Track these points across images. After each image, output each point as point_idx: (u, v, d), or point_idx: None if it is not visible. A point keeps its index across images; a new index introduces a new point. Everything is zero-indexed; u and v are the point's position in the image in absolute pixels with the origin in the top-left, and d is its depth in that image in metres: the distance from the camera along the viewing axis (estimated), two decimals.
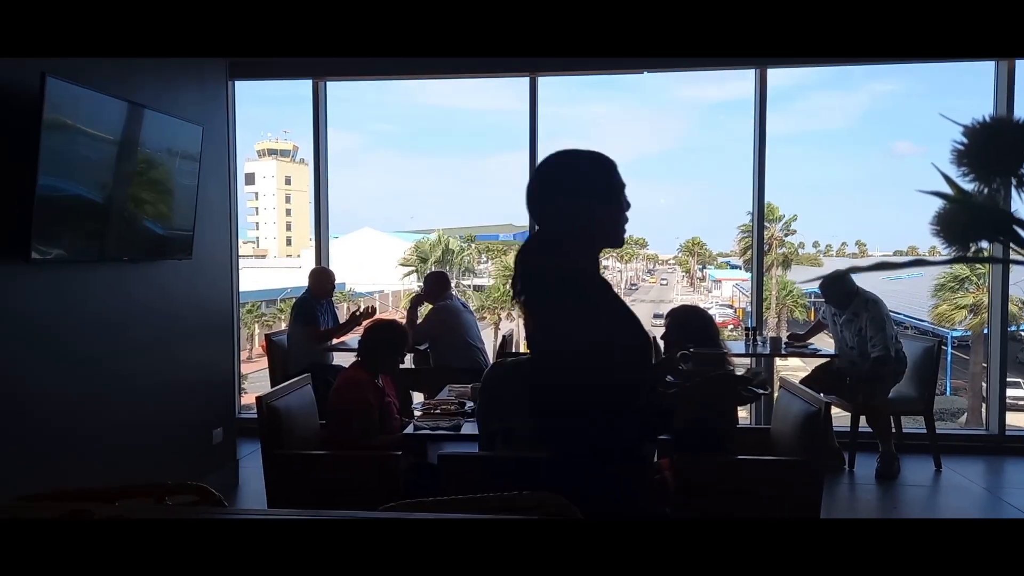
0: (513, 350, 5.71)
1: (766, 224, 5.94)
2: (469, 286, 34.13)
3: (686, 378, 2.15)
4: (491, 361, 4.82)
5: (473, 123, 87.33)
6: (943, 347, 5.25)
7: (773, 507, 2.63)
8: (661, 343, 3.28)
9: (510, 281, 1.76)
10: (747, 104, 5.46)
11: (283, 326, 6.59)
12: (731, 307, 36.09)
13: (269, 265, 42.62)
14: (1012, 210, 0.73)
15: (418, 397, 4.33)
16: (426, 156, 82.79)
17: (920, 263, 0.75)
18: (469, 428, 3.05)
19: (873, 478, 4.61)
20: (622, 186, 1.69)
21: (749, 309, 6.16)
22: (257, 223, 59.98)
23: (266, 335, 5.74)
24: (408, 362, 5.07)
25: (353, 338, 5.15)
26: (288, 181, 60.57)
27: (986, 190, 0.72)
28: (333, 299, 5.46)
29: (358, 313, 5.14)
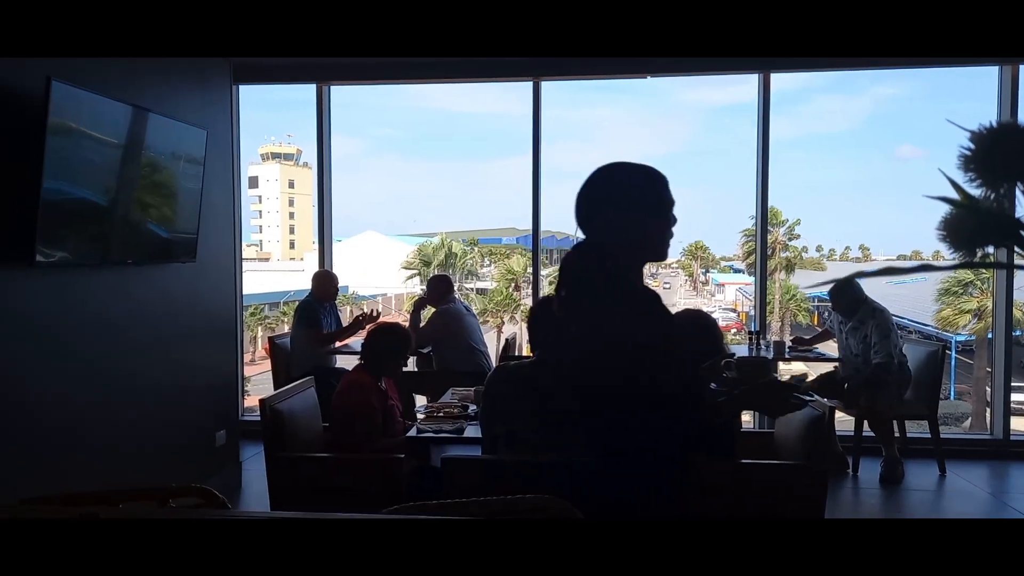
0: (516, 354, 5.70)
1: (769, 228, 5.94)
2: (472, 289, 34.13)
3: (730, 385, 2.15)
4: (494, 364, 4.82)
5: (476, 127, 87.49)
6: (947, 351, 5.23)
7: (777, 511, 2.63)
8: None
9: (554, 285, 1.77)
10: (751, 108, 5.46)
11: (286, 329, 6.61)
12: (734, 311, 36.05)
13: (272, 268, 42.71)
14: (1019, 215, 0.72)
15: (421, 400, 4.33)
16: (429, 160, 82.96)
17: (927, 268, 0.75)
18: (472, 431, 3.05)
19: (877, 482, 4.60)
20: (671, 202, 1.71)
21: (752, 313, 6.15)
22: (261, 226, 60.11)
23: (269, 338, 5.74)
24: (411, 365, 5.07)
25: (356, 341, 5.16)
26: (291, 184, 60.70)
27: (993, 196, 0.72)
28: (336, 302, 5.46)
29: (362, 317, 5.14)
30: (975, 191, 0.73)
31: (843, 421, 4.88)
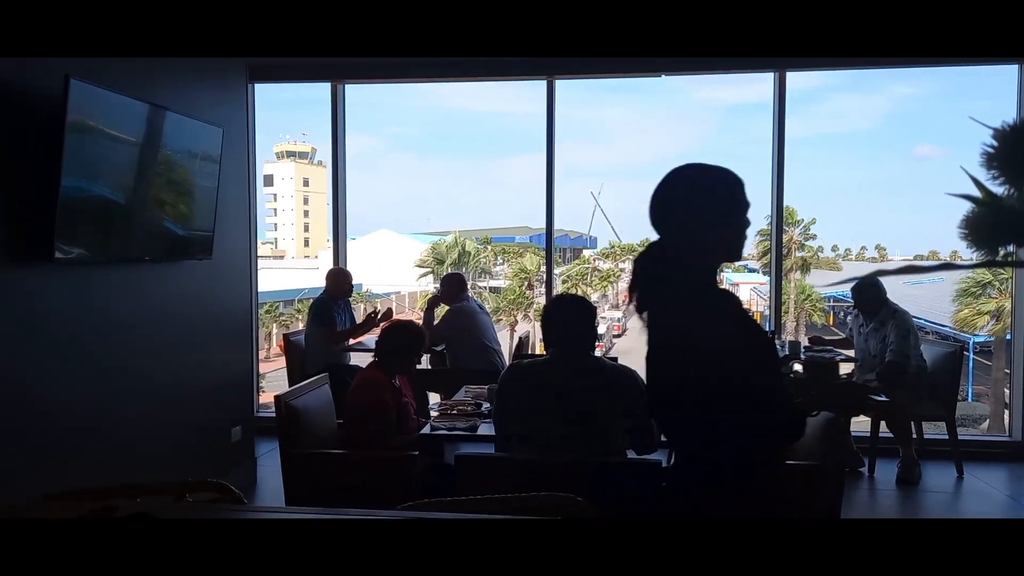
0: (529, 352, 5.71)
1: (785, 228, 5.89)
2: (485, 288, 34.16)
3: (799, 385, 2.15)
4: (507, 362, 4.82)
5: (490, 126, 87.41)
6: (965, 353, 5.18)
7: (792, 511, 2.61)
8: None
9: (628, 285, 1.78)
10: (766, 107, 5.42)
11: (301, 326, 6.64)
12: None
13: (287, 266, 42.92)
14: None
15: (435, 398, 4.34)
16: (443, 158, 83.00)
17: (948, 267, 0.74)
18: (486, 429, 3.05)
19: (893, 483, 4.56)
20: (748, 205, 1.71)
21: (767, 313, 6.12)
22: (275, 224, 60.48)
23: (284, 335, 5.78)
24: (425, 363, 5.08)
25: (370, 338, 5.18)
26: (306, 183, 61.01)
27: (1015, 193, 0.71)
28: (350, 300, 5.49)
29: (373, 315, 5.17)
30: (997, 189, 0.72)
31: (859, 422, 4.84)
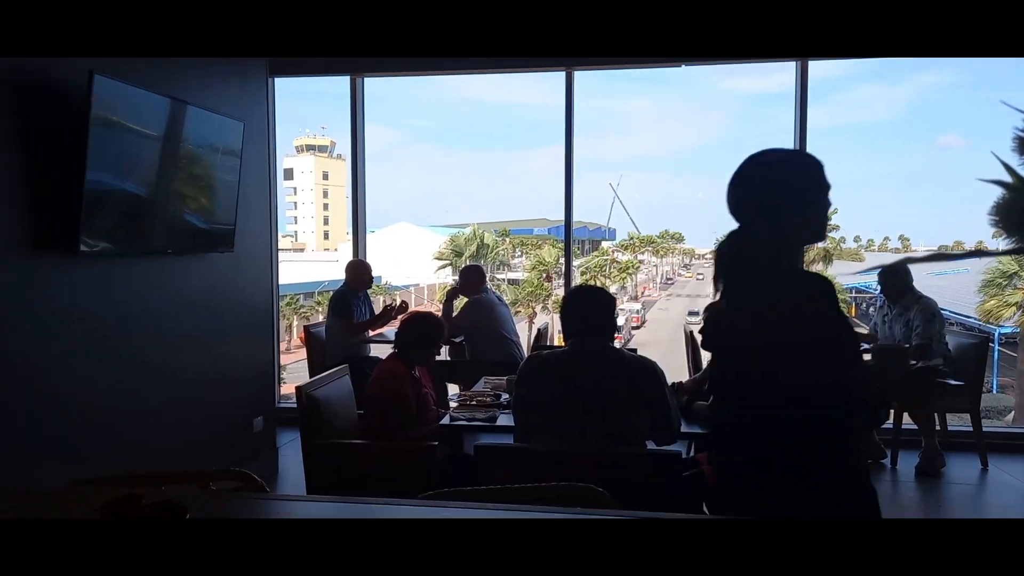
0: (548, 343, 5.70)
1: None
2: (504, 280, 34.18)
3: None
4: (526, 354, 4.83)
5: (509, 117, 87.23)
6: (990, 344, 5.11)
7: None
8: (699, 337, 3.25)
9: (711, 274, 1.77)
10: (788, 96, 5.36)
11: (321, 318, 6.70)
12: None
13: (307, 258, 43.25)
14: None
15: (454, 389, 4.36)
16: (462, 151, 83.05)
17: (978, 254, 0.73)
18: (504, 420, 3.06)
19: (914, 475, 4.52)
20: (828, 187, 1.70)
21: None
22: (296, 217, 60.84)
23: (304, 327, 5.83)
24: (444, 354, 5.10)
25: (390, 330, 5.21)
26: (326, 176, 61.29)
27: None
28: (370, 292, 5.52)
29: (390, 307, 5.20)
30: None
31: None
